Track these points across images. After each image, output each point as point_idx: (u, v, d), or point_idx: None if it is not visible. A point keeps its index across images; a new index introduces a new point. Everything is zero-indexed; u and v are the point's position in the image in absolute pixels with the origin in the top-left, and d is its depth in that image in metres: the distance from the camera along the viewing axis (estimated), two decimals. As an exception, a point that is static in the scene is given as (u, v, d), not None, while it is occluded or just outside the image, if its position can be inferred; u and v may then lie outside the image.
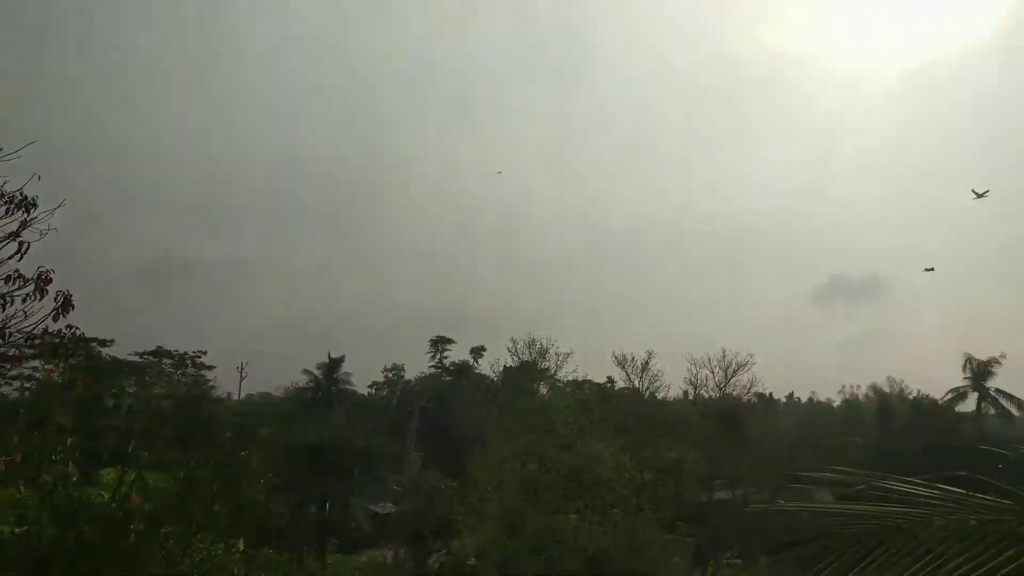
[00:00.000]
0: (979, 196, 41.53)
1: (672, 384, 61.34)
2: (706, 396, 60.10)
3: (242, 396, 66.30)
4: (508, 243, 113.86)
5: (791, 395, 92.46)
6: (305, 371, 59.76)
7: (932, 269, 42.60)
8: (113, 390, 37.87)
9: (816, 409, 78.76)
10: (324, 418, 49.27)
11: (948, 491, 3.32)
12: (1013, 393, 58.58)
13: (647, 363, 60.32)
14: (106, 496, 11.67)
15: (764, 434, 60.31)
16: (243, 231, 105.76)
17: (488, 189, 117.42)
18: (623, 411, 55.22)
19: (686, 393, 61.87)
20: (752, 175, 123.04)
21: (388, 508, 42.75)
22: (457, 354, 74.05)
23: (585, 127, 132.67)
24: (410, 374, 75.58)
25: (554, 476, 36.34)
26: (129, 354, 47.38)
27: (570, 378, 58.51)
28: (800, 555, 3.50)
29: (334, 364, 60.88)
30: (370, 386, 74.31)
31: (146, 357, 50.77)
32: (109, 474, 12.58)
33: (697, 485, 45.01)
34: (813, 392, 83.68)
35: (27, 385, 28.35)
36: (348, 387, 63.02)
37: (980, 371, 59.18)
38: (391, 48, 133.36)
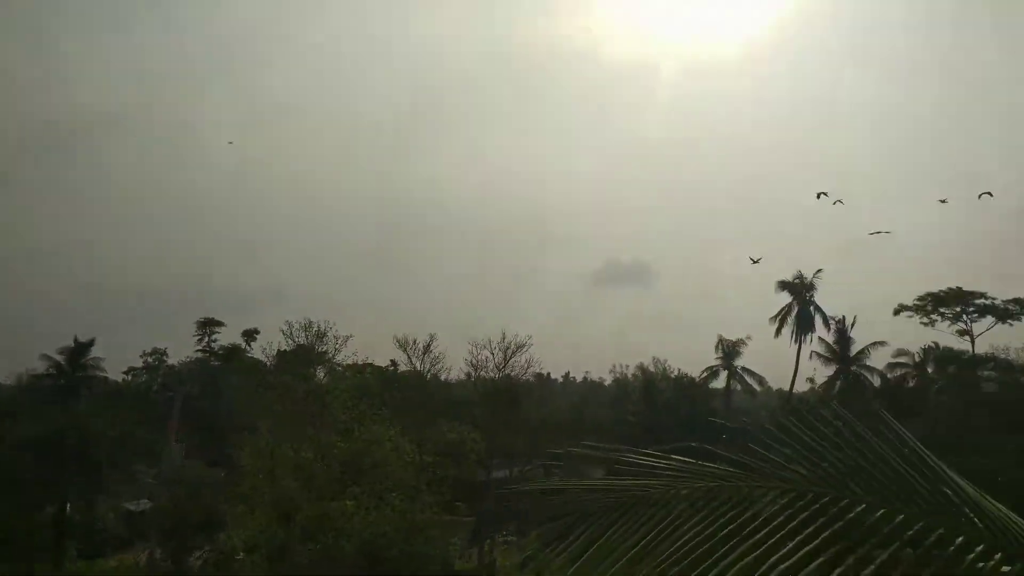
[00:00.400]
0: (821, 197, 43.67)
1: (454, 366, 61.66)
2: (486, 377, 61.15)
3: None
4: (294, 226, 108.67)
5: (567, 375, 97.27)
6: (44, 356, 52.80)
7: (825, 194, 45.04)
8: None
9: (590, 388, 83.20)
10: (67, 408, 43.64)
11: (685, 462, 3.68)
12: (755, 370, 65.69)
13: (429, 345, 60.09)
14: None
15: (540, 413, 62.61)
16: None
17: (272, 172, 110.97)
18: (405, 394, 54.72)
19: (469, 375, 62.56)
20: (539, 163, 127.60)
21: (143, 504, 38.73)
22: (228, 337, 69.47)
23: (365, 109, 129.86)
24: (177, 359, 69.65)
25: (330, 462, 34.98)
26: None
27: (349, 362, 56.83)
28: (551, 531, 3.69)
29: (80, 348, 54.32)
30: (125, 372, 67.59)
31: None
32: None
33: (477, 465, 45.65)
34: (587, 372, 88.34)
35: None
36: (99, 373, 56.60)
37: (730, 351, 65.55)
38: None
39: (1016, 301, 53.31)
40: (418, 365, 61.88)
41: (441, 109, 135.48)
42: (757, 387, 67.25)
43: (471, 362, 60.56)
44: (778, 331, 61.98)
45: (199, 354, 70.04)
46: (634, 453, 3.81)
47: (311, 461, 35.56)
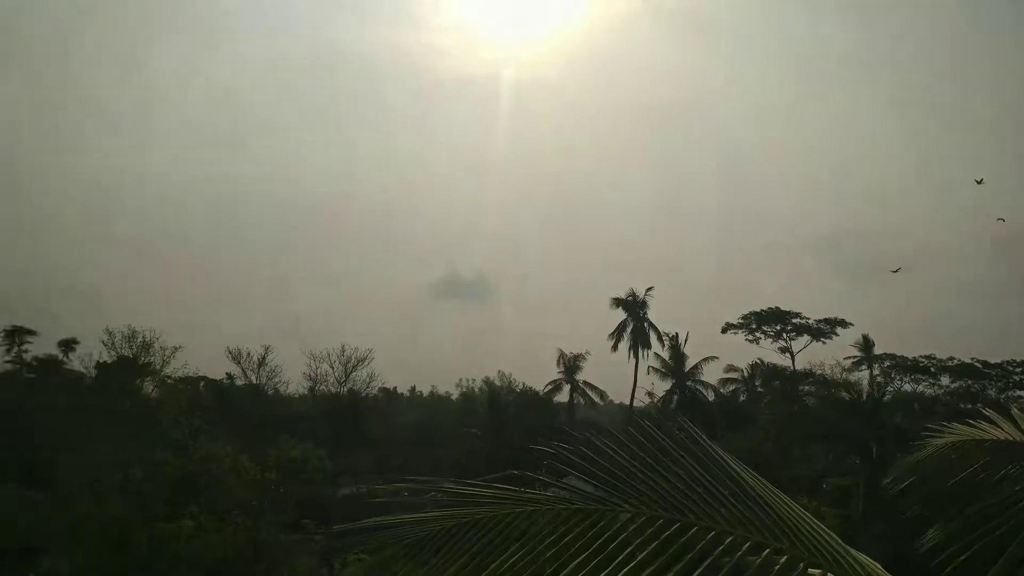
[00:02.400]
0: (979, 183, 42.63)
1: (292, 380, 59.87)
2: (327, 391, 59.81)
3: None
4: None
5: (414, 389, 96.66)
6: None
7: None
8: None
9: (437, 402, 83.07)
10: None
11: (505, 489, 3.82)
12: (597, 384, 68.38)
13: (264, 358, 58.09)
14: None
15: (387, 427, 61.93)
16: None
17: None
18: (241, 409, 52.52)
19: (310, 389, 60.94)
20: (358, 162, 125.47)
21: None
22: (41, 347, 63.77)
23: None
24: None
25: (163, 481, 33.00)
26: None
27: (179, 374, 53.90)
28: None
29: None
30: (-83, 384, 60.18)
31: None
32: None
33: (323, 482, 44.49)
34: (434, 386, 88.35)
35: None
36: None
37: (571, 365, 67.92)
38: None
39: (827, 321, 59.12)
40: (254, 378, 59.64)
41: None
42: (599, 400, 70.15)
43: (310, 375, 59.12)
44: (615, 346, 65.18)
45: (8, 365, 63.89)
46: (455, 483, 4.01)
47: (140, 480, 33.39)
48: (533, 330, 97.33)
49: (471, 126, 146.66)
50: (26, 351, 64.74)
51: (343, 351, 58.66)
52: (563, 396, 69.16)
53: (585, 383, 68.74)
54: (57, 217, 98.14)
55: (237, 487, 31.45)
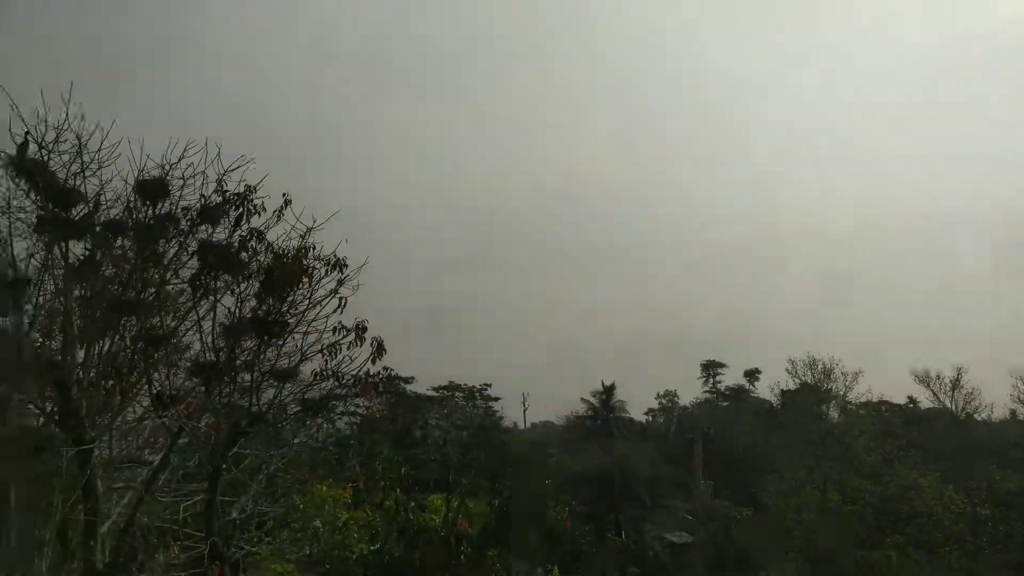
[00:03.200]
0: None
1: (994, 403, 52.98)
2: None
3: (527, 425, 69.21)
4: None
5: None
6: (583, 400, 61.00)
7: None
8: (419, 423, 41.45)
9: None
10: (606, 446, 49.67)
11: None
12: None
13: (958, 379, 52.90)
14: (436, 520, 12.59)
15: None
16: (512, 271, 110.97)
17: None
18: (935, 435, 49.06)
19: (1013, 413, 53.29)
20: None
21: (684, 537, 41.67)
22: (731, 378, 71.59)
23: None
24: (687, 400, 74.22)
25: (862, 507, 33.14)
26: (427, 389, 51.90)
27: (862, 399, 53.30)
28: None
29: (608, 392, 61.48)
30: (646, 413, 73.91)
31: (441, 391, 55.12)
32: (435, 500, 13.59)
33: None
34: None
35: (353, 420, 32.04)
36: (624, 415, 63.13)
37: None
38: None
39: None
40: (947, 402, 55.12)
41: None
42: None
43: (1019, 397, 51.73)
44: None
45: (707, 395, 73.39)
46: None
47: (840, 504, 34.21)
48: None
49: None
50: (719, 382, 73.50)
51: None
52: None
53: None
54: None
55: (945, 519, 29.44)
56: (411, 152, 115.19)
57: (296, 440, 13.97)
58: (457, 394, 57.13)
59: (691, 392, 74.59)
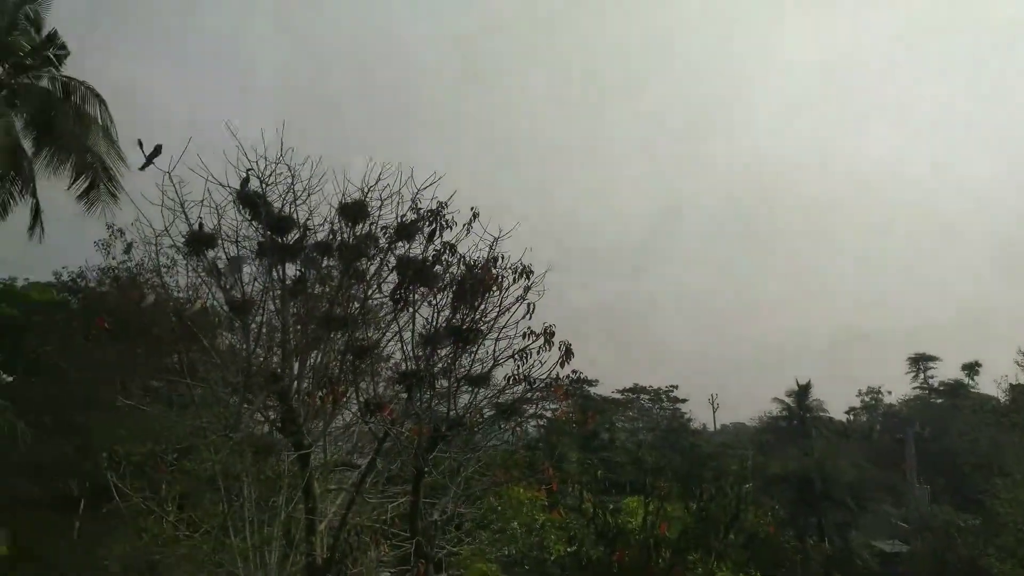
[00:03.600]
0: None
1: None
2: None
3: (716, 427, 67.07)
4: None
5: None
6: (776, 399, 58.19)
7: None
8: (606, 426, 41.39)
9: None
10: (804, 447, 46.97)
11: None
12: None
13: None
14: (634, 523, 12.46)
15: None
16: (694, 267, 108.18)
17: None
18: None
19: None
20: None
21: (897, 546, 38.42)
22: (945, 372, 65.25)
23: None
24: (894, 397, 68.58)
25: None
26: (612, 392, 51.71)
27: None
28: None
29: (803, 391, 58.21)
30: (847, 412, 69.15)
31: (626, 393, 54.69)
32: (631, 502, 13.46)
33: None
34: None
35: (540, 424, 32.52)
36: (822, 414, 59.50)
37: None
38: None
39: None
40: None
41: None
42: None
43: None
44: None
45: (917, 391, 67.49)
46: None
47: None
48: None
49: None
50: (931, 377, 67.27)
51: None
52: None
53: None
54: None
55: None
56: (576, 155, 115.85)
57: (490, 443, 14.37)
58: (643, 396, 56.44)
59: (898, 389, 69.04)
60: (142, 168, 10.90)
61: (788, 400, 57.55)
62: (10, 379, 24.33)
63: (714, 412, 66.21)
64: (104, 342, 13.60)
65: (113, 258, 12.58)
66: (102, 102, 25.21)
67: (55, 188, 24.62)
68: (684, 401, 57.15)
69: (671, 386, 56.49)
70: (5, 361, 24.57)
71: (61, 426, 19.73)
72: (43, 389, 21.99)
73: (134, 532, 13.66)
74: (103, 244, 13.30)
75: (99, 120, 25.10)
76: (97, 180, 24.48)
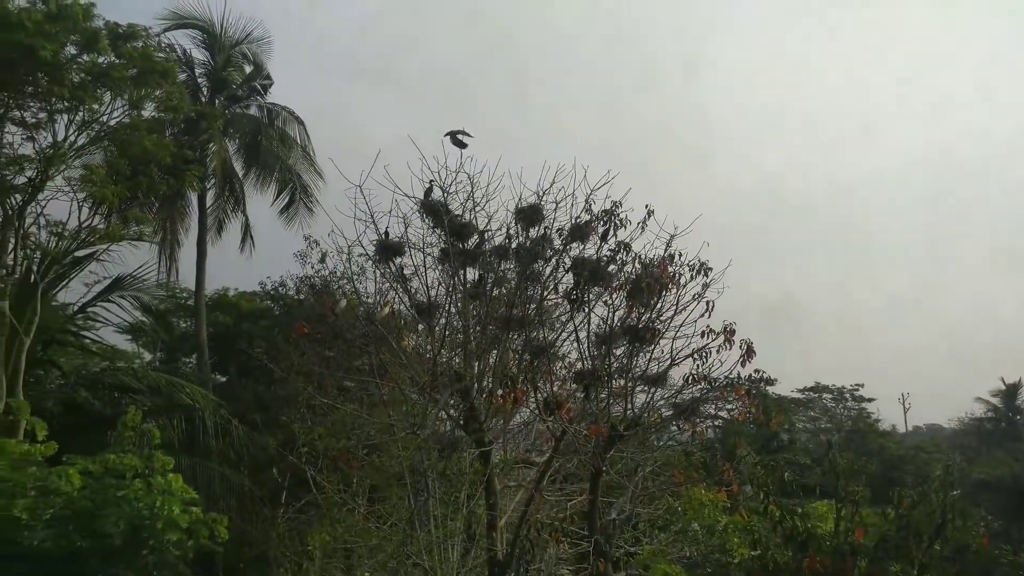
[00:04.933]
0: None
1: None
2: None
3: (908, 428, 62.04)
4: None
5: None
6: (979, 399, 52.96)
7: None
8: (785, 426, 39.50)
9: None
10: (1013, 451, 42.41)
11: None
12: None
13: None
14: (824, 529, 11.79)
15: None
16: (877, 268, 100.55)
17: None
18: None
19: None
20: None
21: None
22: None
23: None
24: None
25: None
26: (791, 391, 49.17)
27: None
28: None
29: (1012, 390, 52.67)
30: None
31: (806, 393, 51.80)
32: (820, 506, 12.74)
33: None
34: None
35: (715, 424, 31.69)
36: (1038, 415, 53.55)
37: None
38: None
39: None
40: None
41: None
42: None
43: None
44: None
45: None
46: None
47: None
48: None
49: None
50: None
51: None
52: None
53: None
54: None
55: None
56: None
57: (667, 443, 14.19)
58: (824, 395, 53.24)
59: None
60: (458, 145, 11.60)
61: (994, 400, 52.34)
62: (223, 380, 27.08)
63: (905, 412, 61.25)
64: (303, 345, 14.80)
65: (311, 267, 13.73)
66: (301, 123, 27.74)
67: (259, 204, 27.26)
68: (871, 400, 53.38)
69: (856, 384, 52.99)
70: (219, 364, 27.37)
71: (268, 423, 21.62)
72: (252, 389, 24.29)
73: (330, 522, 14.65)
74: (301, 255, 14.55)
75: (298, 140, 27.65)
76: (296, 196, 26.91)
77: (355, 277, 12.02)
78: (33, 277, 17.48)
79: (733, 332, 10.35)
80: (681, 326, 10.61)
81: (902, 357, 79.32)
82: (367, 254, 11.61)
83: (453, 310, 11.65)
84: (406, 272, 11.64)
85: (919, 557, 11.21)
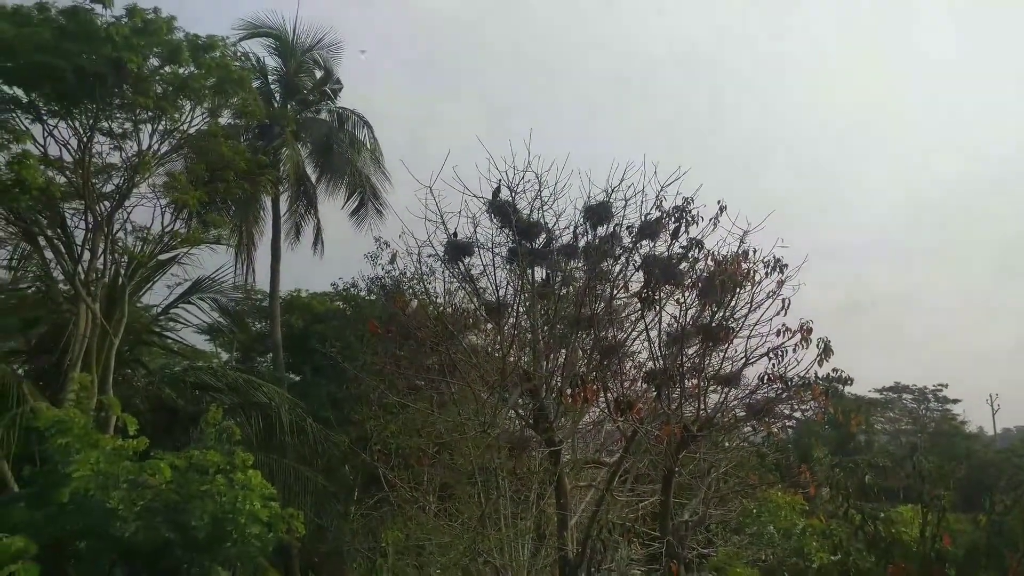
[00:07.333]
0: None
1: None
2: None
3: (996, 430, 59.17)
4: None
5: None
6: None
7: None
8: (862, 427, 38.27)
9: None
10: None
11: None
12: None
13: None
14: (908, 535, 11.34)
15: None
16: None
17: None
18: None
19: None
20: None
21: None
22: None
23: None
24: None
25: None
26: (868, 391, 47.56)
27: None
28: None
29: (1111, 391, 49.67)
30: None
31: (885, 393, 50.03)
32: (905, 511, 12.28)
33: None
34: None
35: (789, 424, 30.63)
36: None
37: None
38: None
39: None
40: None
41: None
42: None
43: None
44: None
45: None
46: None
47: None
48: None
49: None
50: None
51: None
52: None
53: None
54: None
55: None
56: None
57: (741, 444, 13.86)
58: (905, 396, 51.27)
59: None
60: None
61: (1091, 401, 49.45)
62: (297, 379, 27.78)
63: (993, 414, 58.46)
64: (374, 345, 15.06)
65: (382, 267, 13.95)
66: (369, 127, 28.25)
67: (329, 207, 27.87)
68: (956, 401, 51.10)
69: (939, 384, 50.81)
70: (294, 363, 28.10)
71: (340, 421, 22.07)
72: (325, 388, 24.84)
73: (402, 520, 14.85)
74: (371, 256, 14.81)
75: (367, 144, 28.14)
76: (366, 198, 27.41)
77: (425, 277, 12.14)
78: (121, 280, 18.35)
79: (810, 331, 10.06)
80: (756, 324, 10.36)
81: (988, 358, 75.77)
82: (436, 254, 11.70)
83: (521, 309, 11.65)
84: (474, 272, 11.70)
85: (1013, 566, 10.67)
